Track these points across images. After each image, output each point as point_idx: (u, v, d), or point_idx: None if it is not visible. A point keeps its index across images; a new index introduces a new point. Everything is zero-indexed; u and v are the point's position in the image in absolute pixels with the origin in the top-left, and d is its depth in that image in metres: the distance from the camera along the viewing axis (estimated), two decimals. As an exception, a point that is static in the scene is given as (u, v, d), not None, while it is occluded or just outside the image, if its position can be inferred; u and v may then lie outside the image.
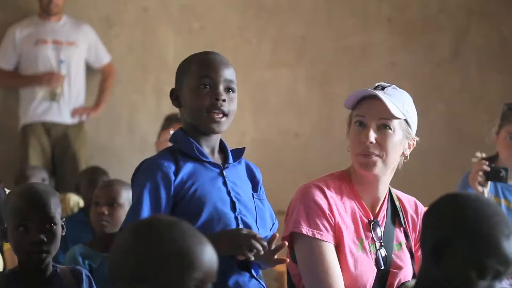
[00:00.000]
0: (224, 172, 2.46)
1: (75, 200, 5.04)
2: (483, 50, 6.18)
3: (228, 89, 2.45)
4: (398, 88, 2.66)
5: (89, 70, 5.85)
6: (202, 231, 2.25)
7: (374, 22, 6.18)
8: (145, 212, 2.35)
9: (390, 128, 2.58)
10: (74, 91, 5.71)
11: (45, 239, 2.43)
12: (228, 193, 2.44)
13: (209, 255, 1.72)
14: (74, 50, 5.71)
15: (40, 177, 4.89)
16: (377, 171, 2.59)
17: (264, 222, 2.50)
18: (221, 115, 2.43)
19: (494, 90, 6.16)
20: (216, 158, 2.49)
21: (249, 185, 2.53)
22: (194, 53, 2.54)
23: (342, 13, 6.16)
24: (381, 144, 2.57)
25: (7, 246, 3.23)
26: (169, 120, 4.94)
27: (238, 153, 2.53)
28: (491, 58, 6.18)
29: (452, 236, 1.90)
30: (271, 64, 6.12)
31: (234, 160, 2.51)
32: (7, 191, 2.78)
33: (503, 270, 1.88)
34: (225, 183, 2.45)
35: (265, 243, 2.34)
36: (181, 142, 2.46)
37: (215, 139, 2.49)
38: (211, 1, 6.09)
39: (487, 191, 3.64)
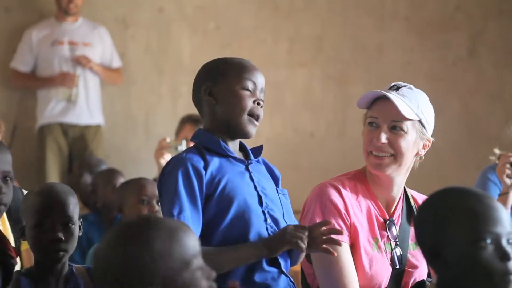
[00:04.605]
0: (250, 168, 2.48)
1: None
2: (499, 48, 6.16)
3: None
4: (414, 88, 2.65)
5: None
6: (230, 226, 2.34)
7: (390, 21, 6.16)
8: (186, 207, 2.35)
9: (402, 130, 2.58)
10: (90, 92, 5.74)
11: (63, 238, 2.46)
12: (255, 187, 2.45)
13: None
14: (89, 51, 5.74)
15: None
16: (389, 171, 2.59)
17: (290, 216, 2.51)
18: (256, 119, 2.47)
19: (510, 88, 6.13)
20: (239, 156, 2.51)
21: (272, 181, 2.54)
22: (227, 57, 2.57)
23: (358, 12, 6.16)
24: (393, 145, 2.57)
25: (24, 246, 3.25)
26: (182, 121, 4.95)
27: (257, 151, 2.54)
28: (508, 57, 6.15)
29: (441, 235, 1.97)
30: (287, 63, 6.12)
31: (255, 157, 2.52)
32: (25, 192, 2.79)
33: (500, 231, 1.95)
34: (251, 178, 2.46)
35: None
36: (205, 140, 2.47)
37: (238, 139, 2.51)
38: (227, 1, 6.10)
39: None
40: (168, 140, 3.88)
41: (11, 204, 2.66)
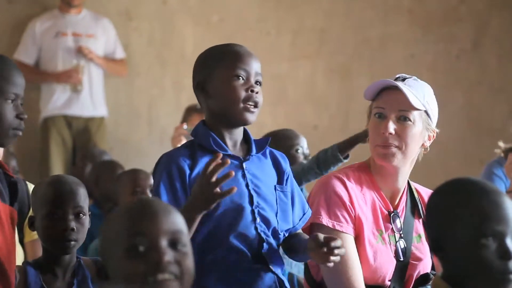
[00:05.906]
0: (244, 165, 2.43)
1: None
2: (503, 41, 6.15)
3: (256, 82, 2.45)
4: (418, 80, 2.65)
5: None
6: (215, 226, 2.33)
7: (393, 13, 6.16)
8: None
9: (409, 120, 2.58)
10: (94, 84, 5.74)
11: (75, 228, 2.49)
12: (247, 185, 2.41)
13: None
14: (93, 43, 5.74)
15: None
16: (396, 162, 2.59)
17: (285, 215, 2.47)
18: (254, 106, 2.43)
19: (514, 81, 6.13)
20: (238, 150, 2.46)
21: (272, 177, 2.49)
22: (217, 45, 2.52)
23: (362, 5, 6.15)
24: (400, 135, 2.57)
25: (28, 239, 3.26)
26: (189, 111, 4.94)
27: (262, 144, 2.50)
28: (511, 50, 6.15)
29: (445, 228, 1.97)
30: (290, 56, 6.12)
31: (258, 151, 2.48)
32: (28, 184, 2.79)
33: (503, 230, 1.93)
34: (244, 176, 2.42)
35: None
36: (200, 136, 2.45)
37: (239, 131, 2.47)
38: (230, -7, 6.10)
39: None
40: (185, 126, 3.90)
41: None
